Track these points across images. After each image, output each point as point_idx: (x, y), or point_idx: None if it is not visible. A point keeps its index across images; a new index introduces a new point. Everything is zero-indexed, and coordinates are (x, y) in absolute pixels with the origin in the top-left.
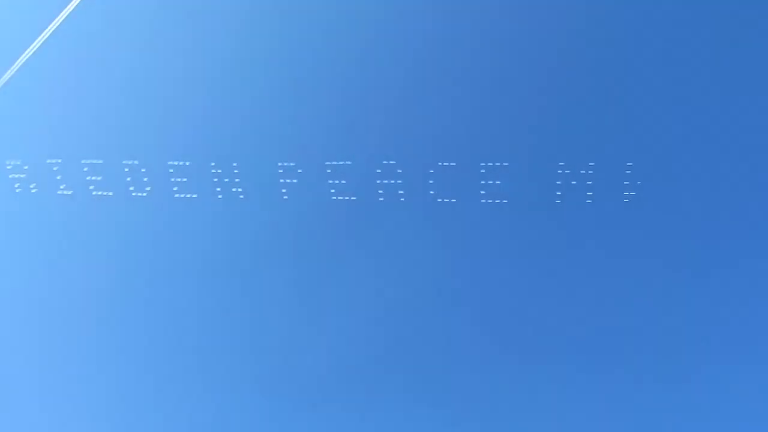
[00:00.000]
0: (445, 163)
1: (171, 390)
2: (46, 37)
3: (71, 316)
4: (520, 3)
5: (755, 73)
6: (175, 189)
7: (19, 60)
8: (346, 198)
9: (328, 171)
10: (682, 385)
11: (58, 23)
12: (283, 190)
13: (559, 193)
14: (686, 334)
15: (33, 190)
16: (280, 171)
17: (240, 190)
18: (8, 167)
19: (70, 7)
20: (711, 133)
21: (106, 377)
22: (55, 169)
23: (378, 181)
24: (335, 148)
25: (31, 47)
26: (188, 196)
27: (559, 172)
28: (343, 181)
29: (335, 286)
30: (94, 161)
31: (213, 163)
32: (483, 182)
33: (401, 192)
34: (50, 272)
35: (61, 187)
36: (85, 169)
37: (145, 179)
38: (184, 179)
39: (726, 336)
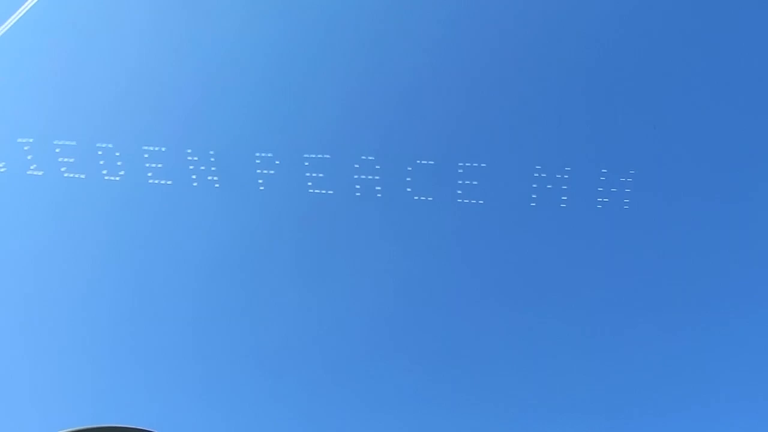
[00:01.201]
0: (423, 162)
1: (140, 369)
2: (21, 15)
3: (41, 300)
4: (504, 8)
5: (733, 80)
6: (149, 174)
7: None
8: (323, 191)
9: (306, 164)
10: (665, 387)
11: (34, 2)
12: (260, 181)
13: (534, 196)
14: (665, 334)
15: (2, 170)
16: (258, 161)
17: (216, 178)
18: None
19: None
20: (687, 141)
21: (71, 358)
22: (26, 148)
23: (356, 176)
24: (314, 140)
25: (5, 24)
26: (162, 182)
27: (536, 175)
28: (321, 175)
29: (309, 278)
30: (67, 142)
31: (189, 150)
32: (460, 182)
33: (378, 188)
34: (17, 253)
35: (32, 167)
36: (58, 150)
37: (119, 163)
38: (159, 165)
39: (714, 332)
